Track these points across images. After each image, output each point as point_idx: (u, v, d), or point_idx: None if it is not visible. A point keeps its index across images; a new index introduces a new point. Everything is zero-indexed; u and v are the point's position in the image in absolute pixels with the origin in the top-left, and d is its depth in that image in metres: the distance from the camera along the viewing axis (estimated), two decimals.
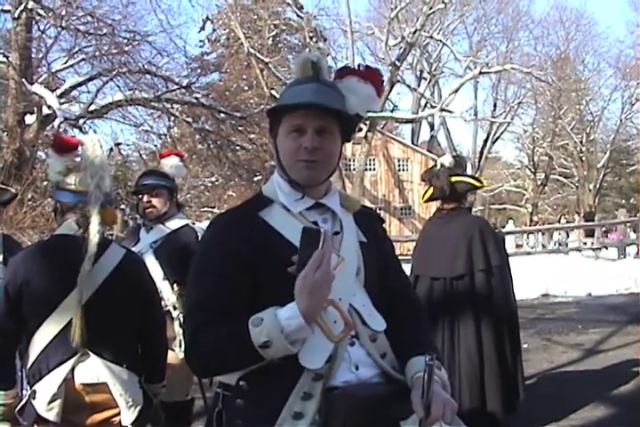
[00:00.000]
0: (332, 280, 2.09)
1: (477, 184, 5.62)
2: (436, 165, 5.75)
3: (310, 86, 2.34)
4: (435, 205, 5.90)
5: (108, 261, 3.45)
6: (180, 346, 4.92)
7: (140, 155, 29.00)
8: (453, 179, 5.54)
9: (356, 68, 2.51)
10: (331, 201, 2.45)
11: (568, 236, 29.41)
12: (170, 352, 4.24)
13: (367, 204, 38.62)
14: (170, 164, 5.62)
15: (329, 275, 2.06)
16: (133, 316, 3.57)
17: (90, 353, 3.35)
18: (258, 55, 33.84)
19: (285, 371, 2.13)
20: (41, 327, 3.37)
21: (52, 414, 3.30)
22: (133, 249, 5.07)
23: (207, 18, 36.14)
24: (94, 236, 3.38)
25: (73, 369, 3.34)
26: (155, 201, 5.34)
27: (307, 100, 2.29)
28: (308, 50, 35.51)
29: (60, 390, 3.31)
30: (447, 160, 5.69)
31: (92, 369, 3.35)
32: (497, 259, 5.43)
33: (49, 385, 3.32)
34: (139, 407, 3.41)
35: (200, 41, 43.96)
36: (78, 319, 3.29)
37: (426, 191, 5.80)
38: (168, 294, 5.15)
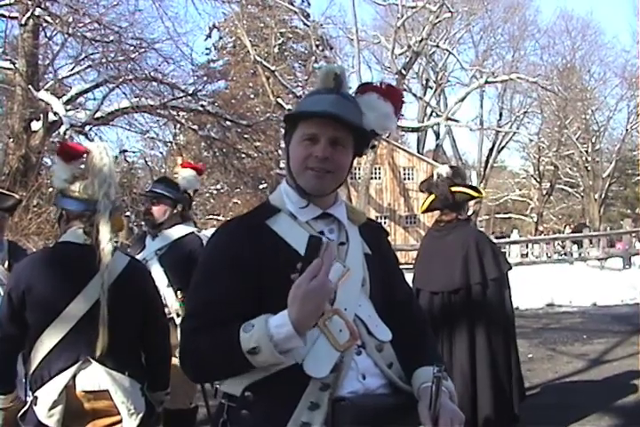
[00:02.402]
0: (330, 292, 2.06)
1: (475, 194, 5.59)
2: (433, 176, 5.75)
3: (330, 97, 2.34)
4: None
5: (111, 269, 3.44)
6: None
7: (146, 162, 29.08)
8: (452, 189, 5.54)
9: (378, 85, 2.51)
10: (338, 211, 2.45)
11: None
12: (173, 360, 4.23)
13: (372, 212, 38.77)
14: (183, 175, 5.65)
15: (324, 285, 2.01)
16: (136, 323, 3.57)
17: (92, 360, 3.35)
18: (264, 63, 33.89)
19: (291, 381, 2.12)
20: (43, 334, 3.37)
21: (52, 421, 3.31)
22: (139, 256, 5.09)
23: (214, 26, 36.33)
24: (107, 244, 3.38)
25: (75, 376, 3.34)
26: (154, 209, 5.38)
27: (324, 109, 2.29)
28: (314, 58, 35.66)
29: (61, 397, 3.31)
30: (445, 170, 5.69)
31: (94, 377, 3.35)
32: (493, 272, 5.41)
33: (50, 392, 3.33)
34: (140, 415, 3.40)
35: (206, 49, 44.21)
36: (105, 333, 3.31)
37: (424, 201, 5.80)
38: (172, 301, 5.16)
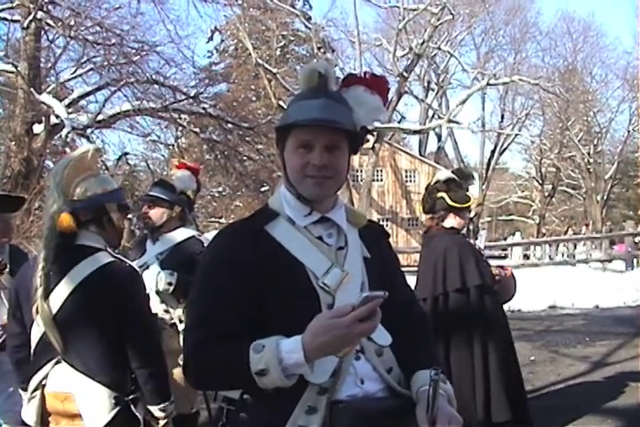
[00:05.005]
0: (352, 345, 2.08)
1: (451, 204, 5.52)
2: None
3: (318, 102, 2.30)
4: None
5: (80, 271, 3.37)
6: None
7: (148, 165, 29.08)
8: (438, 195, 5.52)
9: (363, 76, 2.47)
10: (337, 215, 2.43)
11: (575, 247, 29.35)
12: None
13: (374, 215, 38.73)
14: (177, 176, 5.63)
15: (365, 334, 2.05)
16: (109, 329, 3.41)
17: (63, 362, 3.34)
18: (266, 66, 33.89)
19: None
20: (31, 332, 3.41)
21: (30, 420, 3.36)
22: (140, 260, 5.06)
23: (215, 28, 36.28)
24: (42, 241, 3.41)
25: (47, 376, 3.35)
26: (151, 212, 5.36)
27: (315, 116, 2.25)
28: (315, 60, 35.61)
29: (35, 395, 3.35)
30: (443, 175, 5.66)
31: (62, 378, 3.33)
32: (457, 282, 5.35)
33: (29, 390, 3.37)
34: (101, 425, 3.26)
35: (208, 51, 44.19)
36: (53, 334, 3.30)
37: None
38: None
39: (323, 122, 2.26)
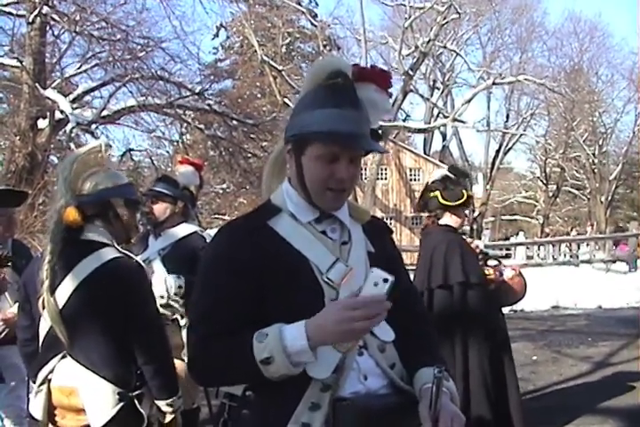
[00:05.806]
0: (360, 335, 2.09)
1: (444, 202, 5.50)
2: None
3: (350, 114, 2.21)
4: None
5: (85, 266, 3.36)
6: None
7: (152, 161, 29.06)
8: (431, 194, 5.52)
9: (374, 72, 2.36)
10: (340, 211, 2.39)
11: (579, 248, 29.32)
12: (177, 361, 4.18)
13: (378, 213, 38.73)
14: (180, 171, 5.63)
15: (362, 331, 2.04)
16: (114, 325, 3.40)
17: (69, 356, 3.34)
18: (271, 63, 33.88)
19: (292, 381, 2.09)
20: (40, 325, 3.41)
21: (37, 413, 3.35)
22: (142, 256, 5.06)
23: (221, 25, 36.33)
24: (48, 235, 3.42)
25: (53, 370, 3.36)
26: (154, 208, 5.37)
27: (350, 130, 2.19)
28: (321, 58, 35.48)
29: (42, 389, 3.35)
30: (439, 174, 5.65)
31: (68, 373, 3.33)
32: (439, 279, 5.32)
33: (36, 384, 3.38)
34: (104, 420, 3.26)
35: (214, 48, 44.23)
36: (60, 328, 3.30)
37: None
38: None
39: (355, 138, 2.22)
